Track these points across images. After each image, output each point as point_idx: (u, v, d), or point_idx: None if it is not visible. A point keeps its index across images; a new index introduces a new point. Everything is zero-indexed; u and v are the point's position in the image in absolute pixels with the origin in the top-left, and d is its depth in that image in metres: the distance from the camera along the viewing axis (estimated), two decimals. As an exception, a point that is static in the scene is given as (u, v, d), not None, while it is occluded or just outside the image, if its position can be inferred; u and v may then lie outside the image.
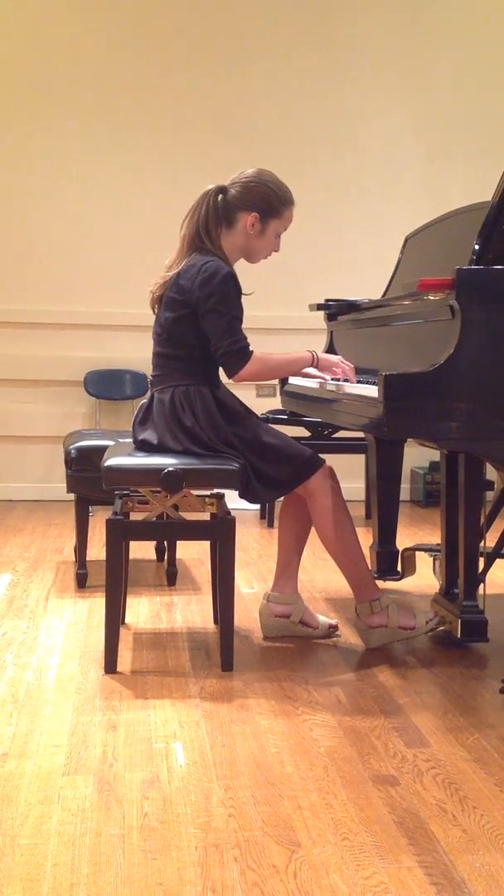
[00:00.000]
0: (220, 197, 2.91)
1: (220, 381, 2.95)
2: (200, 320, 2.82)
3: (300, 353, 2.98)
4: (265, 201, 2.91)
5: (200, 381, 2.87)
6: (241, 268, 2.96)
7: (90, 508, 3.81)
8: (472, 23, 5.79)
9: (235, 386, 3.02)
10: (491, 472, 3.18)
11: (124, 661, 2.85)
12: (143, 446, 2.90)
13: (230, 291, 2.81)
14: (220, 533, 2.81)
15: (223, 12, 5.64)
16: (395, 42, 5.76)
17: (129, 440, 3.07)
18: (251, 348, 2.83)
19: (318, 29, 5.71)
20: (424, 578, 3.67)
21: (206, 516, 3.04)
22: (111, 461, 2.81)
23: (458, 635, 2.84)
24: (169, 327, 2.89)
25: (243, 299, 2.87)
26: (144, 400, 2.98)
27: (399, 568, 3.47)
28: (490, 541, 3.06)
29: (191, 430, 2.83)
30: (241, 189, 2.91)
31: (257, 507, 5.18)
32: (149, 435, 2.89)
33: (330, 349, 3.67)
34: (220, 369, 2.91)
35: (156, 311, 2.97)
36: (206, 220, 2.89)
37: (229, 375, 2.85)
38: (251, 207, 2.90)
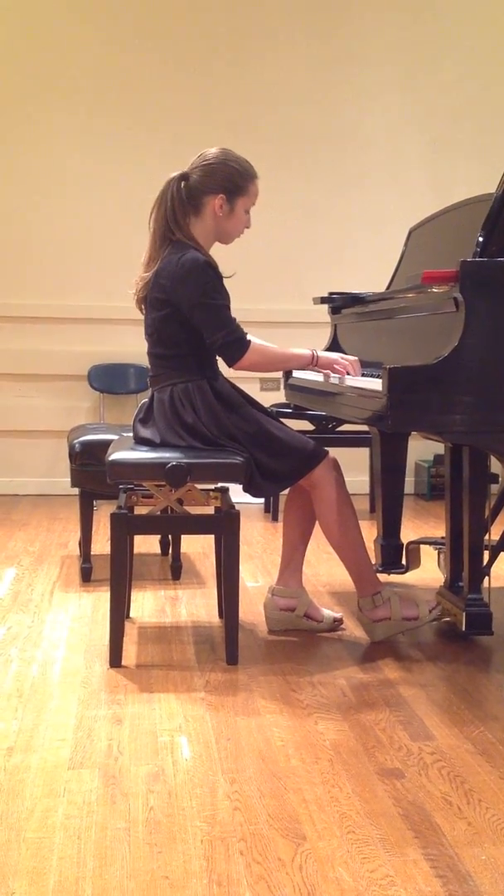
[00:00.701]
0: (182, 184, 2.87)
1: (219, 373, 2.94)
2: (189, 316, 2.80)
3: (300, 350, 2.97)
4: (229, 181, 2.87)
5: (198, 376, 2.87)
6: (236, 253, 2.93)
7: (94, 503, 3.81)
8: (477, 15, 5.77)
9: (239, 378, 3.01)
10: (496, 465, 3.17)
11: (129, 654, 2.85)
12: (144, 444, 2.89)
13: (211, 281, 2.79)
14: (225, 527, 2.81)
15: (224, 5, 5.62)
16: (399, 34, 5.74)
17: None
18: (248, 337, 2.83)
19: (321, 21, 5.69)
20: (429, 572, 3.67)
21: (210, 510, 3.04)
22: (115, 455, 2.81)
23: (463, 628, 2.84)
24: (158, 327, 2.88)
25: (239, 286, 2.85)
26: (146, 399, 2.98)
27: (404, 561, 3.47)
28: (495, 534, 3.06)
29: (192, 427, 2.83)
30: (202, 172, 2.87)
31: (261, 500, 5.18)
32: (150, 434, 2.88)
33: (334, 342, 3.66)
34: (218, 359, 2.90)
35: (143, 311, 2.96)
36: (174, 210, 2.85)
37: (229, 364, 2.84)
38: (216, 189, 2.86)
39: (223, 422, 2.84)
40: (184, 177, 2.88)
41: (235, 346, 2.80)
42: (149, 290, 2.88)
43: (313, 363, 2.96)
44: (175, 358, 2.87)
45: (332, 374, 3.00)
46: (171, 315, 2.83)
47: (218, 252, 2.94)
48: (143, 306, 2.95)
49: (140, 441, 2.91)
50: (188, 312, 2.79)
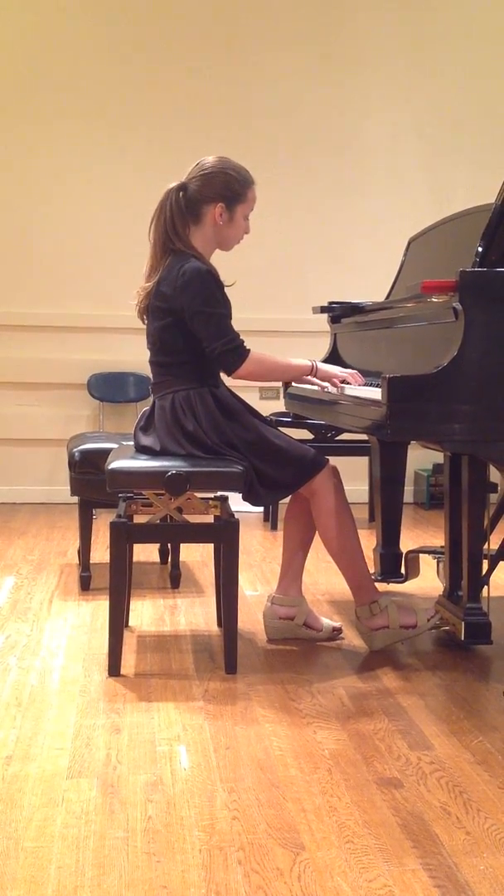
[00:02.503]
0: (181, 194, 2.88)
1: (220, 381, 2.95)
2: (189, 324, 2.81)
3: (300, 360, 2.98)
4: (228, 188, 2.88)
5: (199, 385, 2.87)
6: (236, 262, 2.94)
7: (94, 511, 3.81)
8: (477, 21, 5.79)
9: (238, 387, 3.02)
10: (495, 475, 3.17)
11: (128, 663, 2.85)
12: (144, 452, 2.90)
13: (211, 290, 2.80)
14: (224, 535, 2.81)
15: (225, 12, 5.64)
16: (399, 41, 5.76)
17: (133, 443, 3.07)
18: (247, 346, 2.83)
19: (321, 27, 5.71)
20: (428, 581, 3.67)
21: (209, 519, 3.04)
22: (115, 464, 2.81)
23: (462, 638, 2.84)
24: (159, 335, 2.89)
25: (239, 294, 2.86)
26: (147, 407, 2.99)
27: (403, 570, 3.47)
28: (494, 543, 3.06)
29: (193, 434, 2.83)
30: (201, 182, 2.88)
31: (261, 509, 5.18)
32: (151, 441, 2.89)
33: (333, 351, 3.67)
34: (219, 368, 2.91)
35: (144, 321, 2.97)
36: (173, 221, 2.86)
37: (227, 373, 2.85)
38: (215, 198, 2.88)
39: (224, 430, 2.84)
40: (182, 187, 2.89)
41: (234, 354, 2.81)
42: (150, 300, 2.89)
43: (312, 374, 2.97)
44: (176, 366, 2.88)
45: (328, 388, 3.00)
46: (172, 324, 2.84)
47: (218, 260, 2.95)
48: (144, 317, 2.95)
49: (140, 449, 2.91)
50: (188, 320, 2.80)
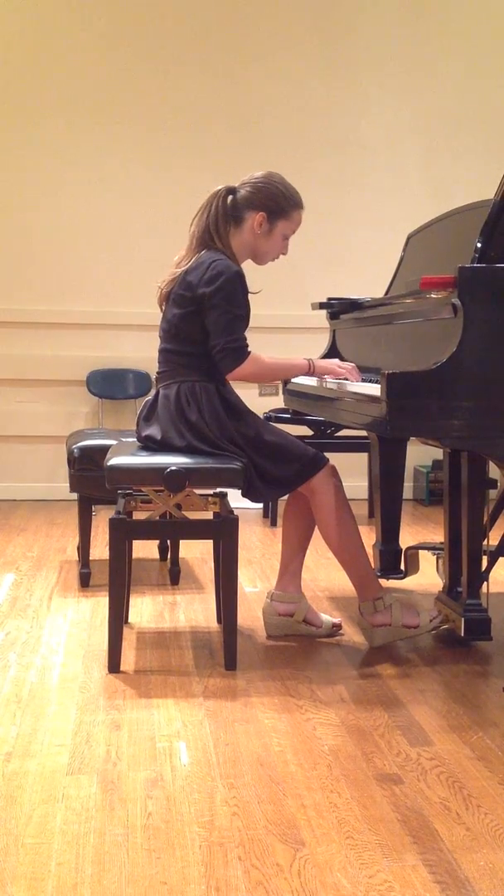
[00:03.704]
0: (229, 198, 2.94)
1: (227, 380, 2.96)
2: (204, 315, 2.82)
3: (296, 359, 2.99)
4: (273, 201, 2.93)
5: (206, 378, 2.88)
6: (247, 267, 2.95)
7: (93, 508, 3.81)
8: (476, 19, 5.78)
9: (238, 385, 3.02)
10: (494, 471, 3.17)
11: (128, 660, 2.85)
12: (146, 442, 2.91)
13: (236, 290, 2.82)
14: (223, 532, 2.81)
15: (226, 9, 5.63)
16: (399, 39, 5.76)
17: (132, 439, 3.07)
18: (249, 349, 2.84)
19: (321, 26, 5.70)
20: (428, 577, 3.67)
21: (209, 515, 3.04)
22: (114, 460, 2.81)
23: (462, 634, 2.84)
24: (177, 323, 2.89)
25: (250, 298, 2.87)
26: (149, 397, 2.99)
27: (402, 567, 3.47)
28: (493, 539, 3.06)
29: (195, 426, 2.84)
30: (250, 189, 2.94)
31: (260, 506, 5.18)
32: (153, 430, 2.90)
33: (332, 348, 3.67)
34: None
35: (163, 307, 2.98)
36: (216, 219, 2.91)
37: (224, 373, 2.86)
38: (259, 207, 2.92)
39: (225, 424, 2.85)
40: (231, 191, 2.95)
41: (234, 354, 2.81)
42: (174, 287, 2.90)
43: (310, 372, 2.98)
44: (188, 356, 2.89)
45: (329, 380, 3.01)
46: (192, 314, 2.85)
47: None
48: (164, 303, 2.97)
49: (143, 438, 2.92)
50: (205, 310, 2.81)
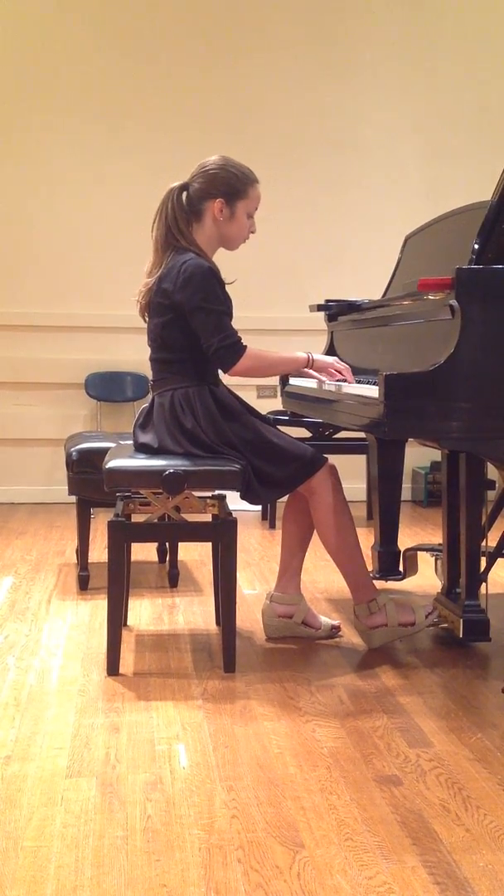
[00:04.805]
0: (184, 194, 2.91)
1: (220, 380, 2.96)
2: (189, 320, 2.81)
3: (296, 353, 2.99)
4: (227, 184, 2.89)
5: (199, 382, 2.87)
6: (234, 261, 2.94)
7: (92, 510, 3.81)
8: (473, 20, 5.79)
9: (236, 386, 3.02)
10: (492, 472, 3.18)
11: (126, 662, 2.85)
12: (142, 449, 2.90)
13: (212, 287, 2.80)
14: (222, 534, 2.81)
15: (223, 10, 5.64)
16: (396, 40, 5.76)
17: (131, 442, 3.07)
18: (244, 343, 2.84)
19: (319, 26, 5.71)
20: (426, 578, 3.67)
21: (207, 518, 3.04)
22: (113, 463, 2.81)
23: (461, 635, 2.84)
24: (160, 332, 2.89)
25: (236, 293, 2.86)
26: (146, 404, 2.99)
27: (401, 568, 3.47)
28: (492, 540, 3.06)
29: (191, 432, 2.83)
30: (202, 180, 2.90)
31: (259, 508, 5.18)
32: (149, 439, 2.89)
33: (330, 350, 3.67)
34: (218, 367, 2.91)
35: (145, 318, 2.97)
36: (175, 218, 2.89)
37: (224, 370, 2.85)
38: (215, 194, 2.89)
39: (222, 429, 2.84)
40: (184, 186, 2.92)
41: (230, 351, 2.80)
42: (151, 297, 2.89)
43: (309, 366, 2.97)
44: (176, 363, 2.88)
45: (326, 382, 3.01)
46: (173, 321, 2.84)
47: (216, 258, 2.95)
48: (145, 314, 2.96)
49: (139, 446, 2.91)
50: (188, 316, 2.80)
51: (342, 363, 3.02)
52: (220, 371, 2.92)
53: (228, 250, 3.00)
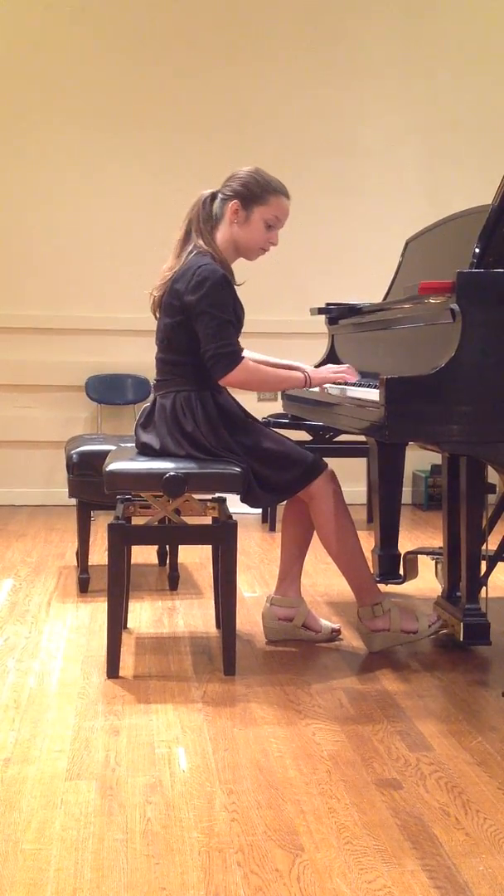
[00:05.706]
0: (211, 201, 2.95)
1: (223, 387, 2.95)
2: (193, 323, 2.82)
3: (292, 373, 2.97)
4: (244, 187, 2.91)
5: (202, 387, 2.87)
6: (235, 263, 2.95)
7: (92, 513, 3.81)
8: (473, 25, 5.80)
9: (237, 391, 3.02)
10: (493, 475, 3.18)
11: (126, 665, 2.85)
12: (144, 449, 2.91)
13: (222, 294, 2.80)
14: (222, 537, 2.81)
15: (224, 15, 5.65)
16: (396, 44, 5.77)
17: (131, 444, 3.08)
18: (242, 355, 2.83)
19: (319, 31, 5.72)
20: (427, 582, 3.67)
21: (207, 520, 3.04)
22: (113, 466, 2.81)
23: (461, 639, 2.84)
24: (168, 333, 2.89)
25: (245, 297, 2.86)
26: (148, 403, 2.99)
27: (401, 571, 3.47)
28: (492, 544, 3.06)
29: (192, 436, 2.83)
30: (228, 184, 2.95)
31: (259, 511, 5.18)
32: (151, 439, 2.89)
33: (331, 353, 3.67)
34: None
35: (157, 316, 2.98)
36: (198, 220, 2.92)
37: (216, 378, 2.83)
38: (231, 196, 2.92)
39: (222, 434, 2.84)
40: (214, 195, 2.96)
41: (225, 359, 2.79)
42: (164, 294, 2.89)
43: (306, 386, 2.97)
44: (182, 365, 2.88)
45: (329, 386, 3.02)
46: (182, 322, 2.84)
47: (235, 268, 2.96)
48: (157, 311, 2.96)
49: (141, 446, 2.92)
50: (193, 319, 2.81)
51: (340, 366, 3.02)
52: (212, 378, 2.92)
53: (246, 259, 3.00)
